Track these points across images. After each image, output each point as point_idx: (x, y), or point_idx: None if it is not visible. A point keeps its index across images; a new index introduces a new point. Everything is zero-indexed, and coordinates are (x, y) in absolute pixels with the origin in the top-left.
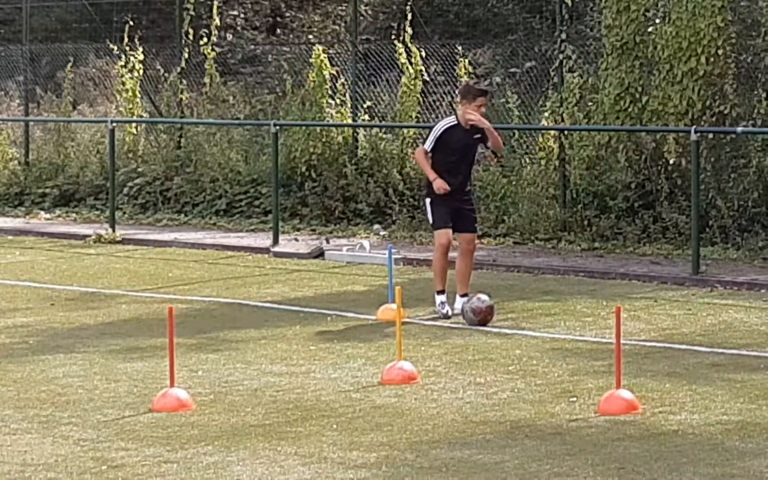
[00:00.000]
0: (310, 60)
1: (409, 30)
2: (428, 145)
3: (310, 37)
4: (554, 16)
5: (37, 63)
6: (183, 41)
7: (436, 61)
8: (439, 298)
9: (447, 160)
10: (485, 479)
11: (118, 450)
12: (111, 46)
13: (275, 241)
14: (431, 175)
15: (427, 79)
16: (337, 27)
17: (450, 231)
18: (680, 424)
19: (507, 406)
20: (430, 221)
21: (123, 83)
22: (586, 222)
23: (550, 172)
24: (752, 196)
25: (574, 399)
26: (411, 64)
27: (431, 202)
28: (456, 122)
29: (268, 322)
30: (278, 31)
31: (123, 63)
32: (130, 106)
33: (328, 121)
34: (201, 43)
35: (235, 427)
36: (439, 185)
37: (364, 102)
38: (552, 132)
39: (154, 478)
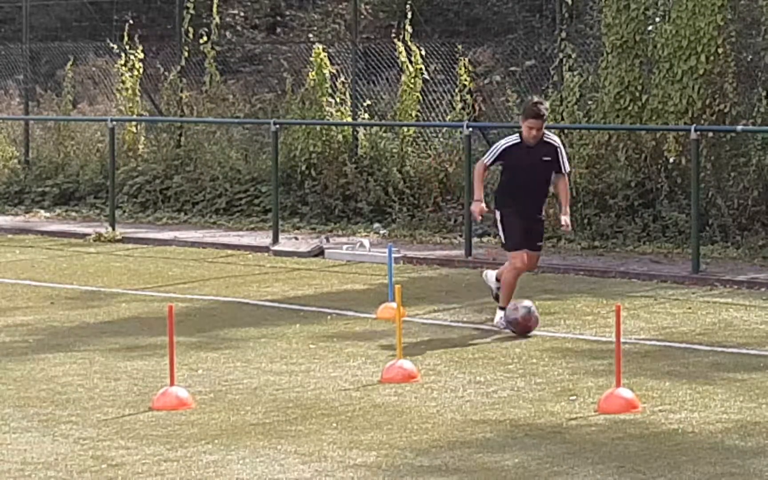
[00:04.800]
0: (310, 58)
1: (409, 29)
2: (487, 158)
3: (310, 35)
4: (554, 14)
5: (37, 61)
6: (183, 40)
7: (436, 60)
8: (501, 313)
9: (514, 181)
10: (485, 478)
11: (118, 448)
12: (111, 44)
13: (275, 240)
14: (475, 193)
15: (427, 77)
16: (337, 26)
17: (525, 254)
18: (680, 423)
19: (507, 404)
20: (503, 240)
21: (123, 82)
22: (585, 220)
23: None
24: (752, 194)
25: (574, 398)
26: (411, 62)
27: (502, 220)
28: (519, 140)
29: (267, 321)
30: (278, 29)
31: (123, 61)
32: (130, 104)
33: (328, 119)
34: (201, 41)
35: (235, 425)
36: (474, 209)
37: (364, 100)
38: (552, 131)
39: (153, 476)
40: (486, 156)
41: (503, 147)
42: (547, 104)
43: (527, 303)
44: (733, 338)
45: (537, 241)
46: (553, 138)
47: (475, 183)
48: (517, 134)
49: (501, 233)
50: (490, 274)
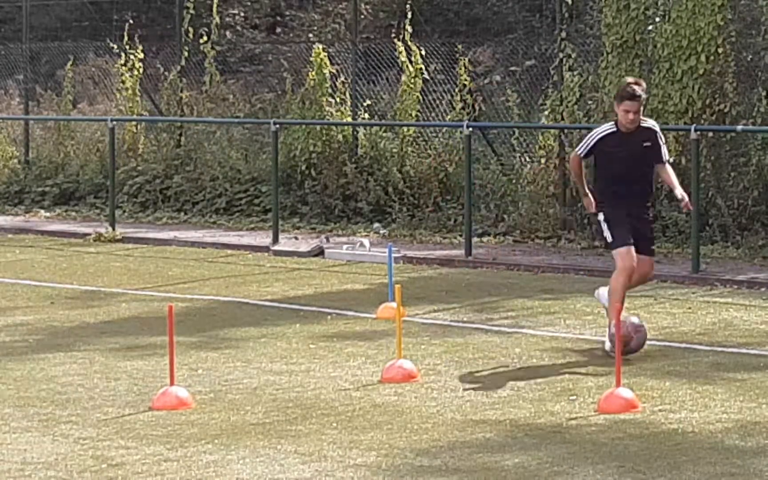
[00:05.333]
0: (310, 58)
1: (409, 28)
2: (581, 149)
3: (310, 35)
4: (554, 14)
5: (37, 61)
6: (183, 40)
7: (436, 60)
8: (610, 332)
9: (612, 172)
10: (485, 478)
11: (118, 448)
12: (111, 44)
13: (275, 240)
14: (581, 189)
15: (427, 77)
16: (337, 25)
17: (634, 249)
18: (680, 423)
19: (507, 404)
20: (608, 240)
21: (123, 82)
22: (585, 220)
23: (549, 171)
24: (752, 194)
25: (574, 397)
26: (411, 62)
27: (605, 218)
28: (615, 128)
29: (267, 321)
30: (278, 29)
31: (123, 61)
32: (130, 104)
33: (328, 119)
34: (201, 41)
35: (235, 425)
36: (586, 205)
37: (364, 100)
38: (552, 130)
39: (153, 476)
40: (579, 147)
41: (598, 136)
42: (644, 84)
43: (635, 319)
44: (733, 338)
45: (649, 244)
46: (651, 122)
47: (577, 179)
48: (613, 122)
49: (606, 234)
50: (603, 291)
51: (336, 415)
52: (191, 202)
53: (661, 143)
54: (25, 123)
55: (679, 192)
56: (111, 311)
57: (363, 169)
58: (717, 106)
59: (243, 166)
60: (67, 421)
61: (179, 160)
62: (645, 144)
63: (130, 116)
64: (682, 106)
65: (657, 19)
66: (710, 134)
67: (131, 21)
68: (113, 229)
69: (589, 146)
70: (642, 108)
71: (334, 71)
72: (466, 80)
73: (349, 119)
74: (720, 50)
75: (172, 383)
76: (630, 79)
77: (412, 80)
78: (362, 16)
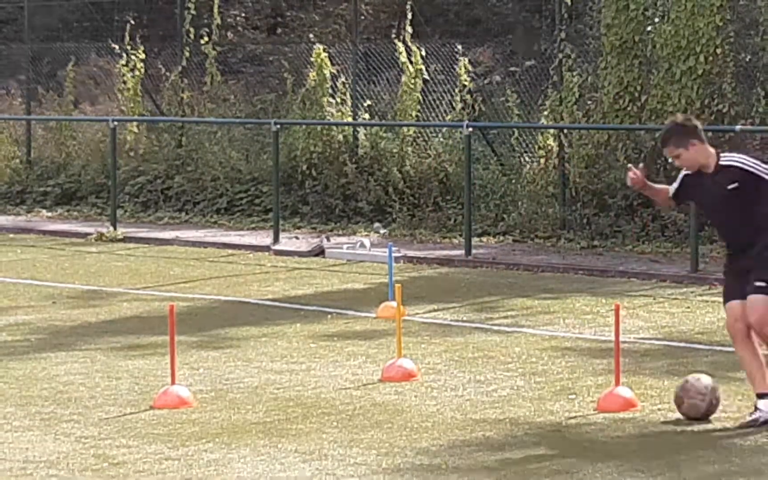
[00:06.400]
0: (311, 59)
1: (410, 29)
2: (672, 187)
3: (311, 36)
4: (553, 15)
5: (39, 62)
6: (184, 40)
7: (436, 60)
8: (762, 402)
9: (705, 217)
10: (485, 476)
11: (120, 447)
12: (112, 45)
13: (276, 240)
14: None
15: (427, 77)
16: (337, 26)
17: (736, 306)
18: (679, 422)
19: (506, 403)
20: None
21: (124, 82)
22: (585, 220)
23: (549, 171)
24: None
25: (574, 396)
26: (411, 63)
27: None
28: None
29: (268, 320)
30: (279, 30)
31: (124, 62)
32: (132, 104)
33: (328, 119)
34: (202, 42)
35: (236, 424)
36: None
37: (365, 101)
38: (551, 130)
39: (155, 475)
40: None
41: (683, 174)
42: (682, 118)
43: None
44: None
45: (752, 281)
46: (734, 158)
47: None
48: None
49: None
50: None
51: (336, 414)
52: (192, 202)
53: (757, 175)
54: (27, 123)
55: None
56: (112, 311)
57: (363, 169)
58: (716, 107)
59: (244, 166)
60: (69, 419)
61: (180, 160)
62: (730, 186)
63: (132, 116)
64: (681, 106)
65: (656, 20)
66: (709, 134)
67: (132, 21)
68: (115, 228)
69: (678, 185)
70: (678, 150)
71: (334, 71)
72: (466, 80)
73: (350, 119)
74: (719, 51)
75: (173, 382)
76: (678, 118)
77: (412, 80)
78: (362, 17)
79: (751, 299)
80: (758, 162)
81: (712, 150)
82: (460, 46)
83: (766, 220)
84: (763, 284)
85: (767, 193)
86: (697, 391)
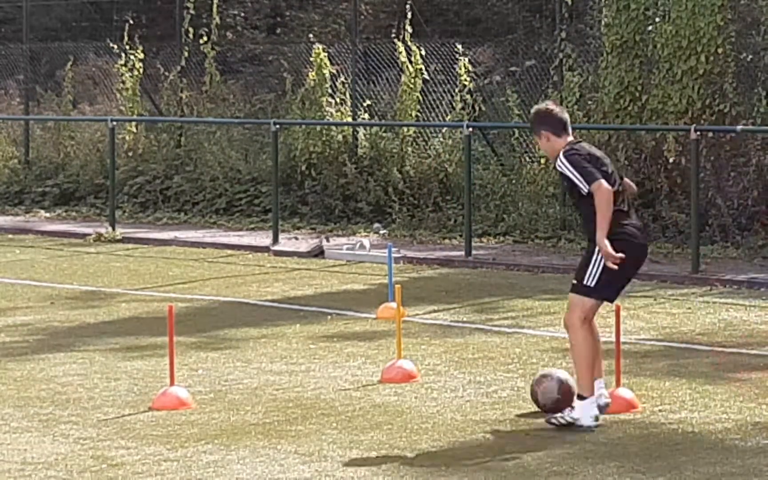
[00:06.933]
0: (310, 59)
1: (409, 29)
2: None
3: (310, 35)
4: (554, 14)
5: (37, 62)
6: (183, 40)
7: (436, 60)
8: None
9: None
10: (485, 478)
11: (118, 448)
12: (111, 44)
13: (275, 240)
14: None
15: (427, 77)
16: (337, 26)
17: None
18: (680, 423)
19: (507, 404)
20: None
21: (123, 82)
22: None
23: (549, 171)
24: (752, 194)
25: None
26: (411, 62)
27: None
28: None
29: (267, 321)
30: (278, 29)
31: (123, 62)
32: (130, 104)
33: (328, 119)
34: (201, 41)
35: (235, 425)
36: None
37: (364, 100)
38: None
39: (153, 476)
40: None
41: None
42: (536, 108)
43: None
44: (733, 338)
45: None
46: (561, 155)
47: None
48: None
49: None
50: None
51: (336, 415)
52: (191, 202)
53: (572, 177)
54: (25, 123)
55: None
56: (111, 311)
57: (363, 170)
58: (717, 107)
59: (243, 167)
60: (67, 421)
61: (179, 160)
62: (564, 182)
63: (131, 116)
64: (682, 106)
65: (657, 20)
66: (710, 134)
67: (131, 21)
68: (113, 229)
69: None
70: (539, 137)
71: (334, 71)
72: (466, 80)
73: (349, 119)
74: (720, 50)
75: (172, 383)
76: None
77: (412, 80)
78: (362, 17)
79: (569, 296)
80: (575, 156)
81: (563, 145)
82: (460, 46)
83: (585, 216)
84: (574, 282)
85: (578, 190)
86: (543, 376)
